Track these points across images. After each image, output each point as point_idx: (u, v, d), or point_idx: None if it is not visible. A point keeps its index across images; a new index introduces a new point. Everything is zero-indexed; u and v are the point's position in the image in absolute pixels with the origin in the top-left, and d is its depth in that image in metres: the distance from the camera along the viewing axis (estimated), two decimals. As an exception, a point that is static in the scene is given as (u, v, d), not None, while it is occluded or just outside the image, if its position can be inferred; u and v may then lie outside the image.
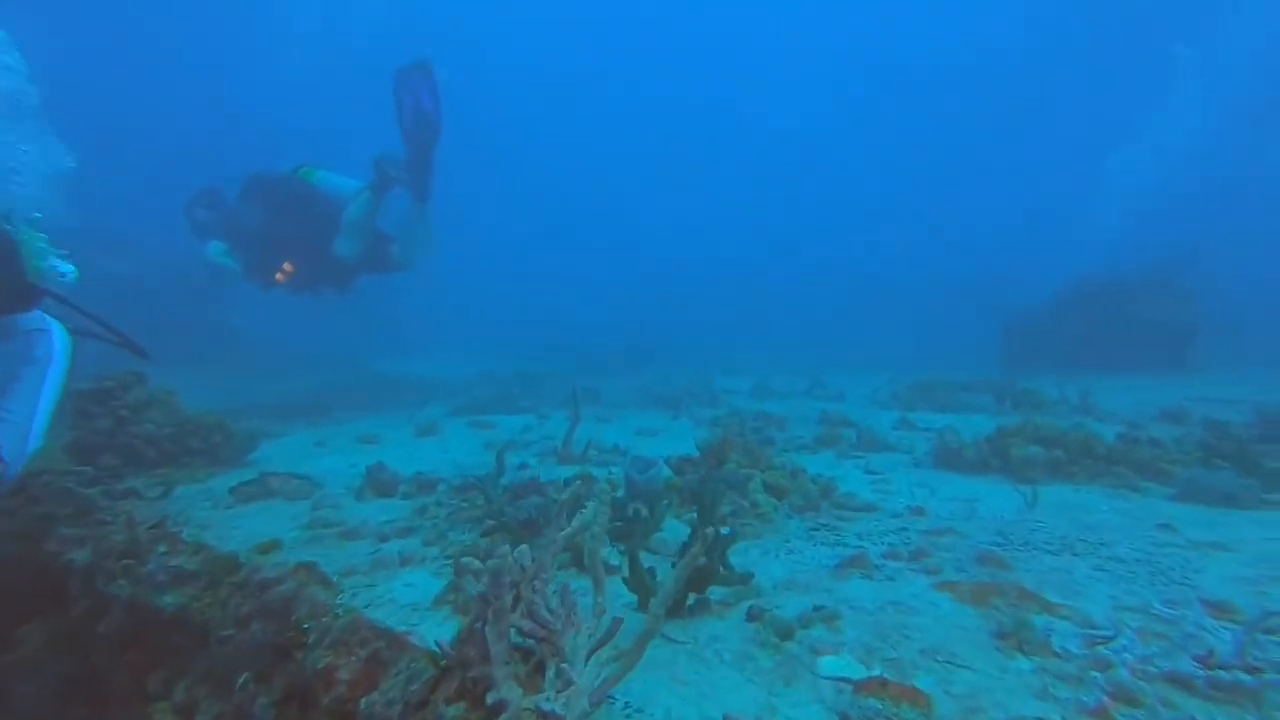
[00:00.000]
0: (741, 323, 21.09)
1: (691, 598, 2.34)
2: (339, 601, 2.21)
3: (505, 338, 23.55)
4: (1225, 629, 2.04)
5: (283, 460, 5.25)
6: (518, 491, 3.50)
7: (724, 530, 3.33)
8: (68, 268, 3.36)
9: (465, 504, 3.82)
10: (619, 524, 3.16)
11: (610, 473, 4.76)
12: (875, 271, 24.17)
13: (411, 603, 2.46)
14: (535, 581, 1.75)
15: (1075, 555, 2.73)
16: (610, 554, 2.87)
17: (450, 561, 2.85)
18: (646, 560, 2.90)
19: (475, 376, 14.77)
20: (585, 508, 1.89)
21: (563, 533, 1.87)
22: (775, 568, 2.75)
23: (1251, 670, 1.70)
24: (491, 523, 3.26)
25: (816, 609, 2.24)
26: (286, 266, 5.95)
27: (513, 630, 1.68)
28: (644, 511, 3.23)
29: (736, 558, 2.73)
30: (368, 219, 5.78)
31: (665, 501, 3.28)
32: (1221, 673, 1.69)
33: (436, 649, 1.85)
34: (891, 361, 17.30)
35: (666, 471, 4.28)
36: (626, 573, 2.29)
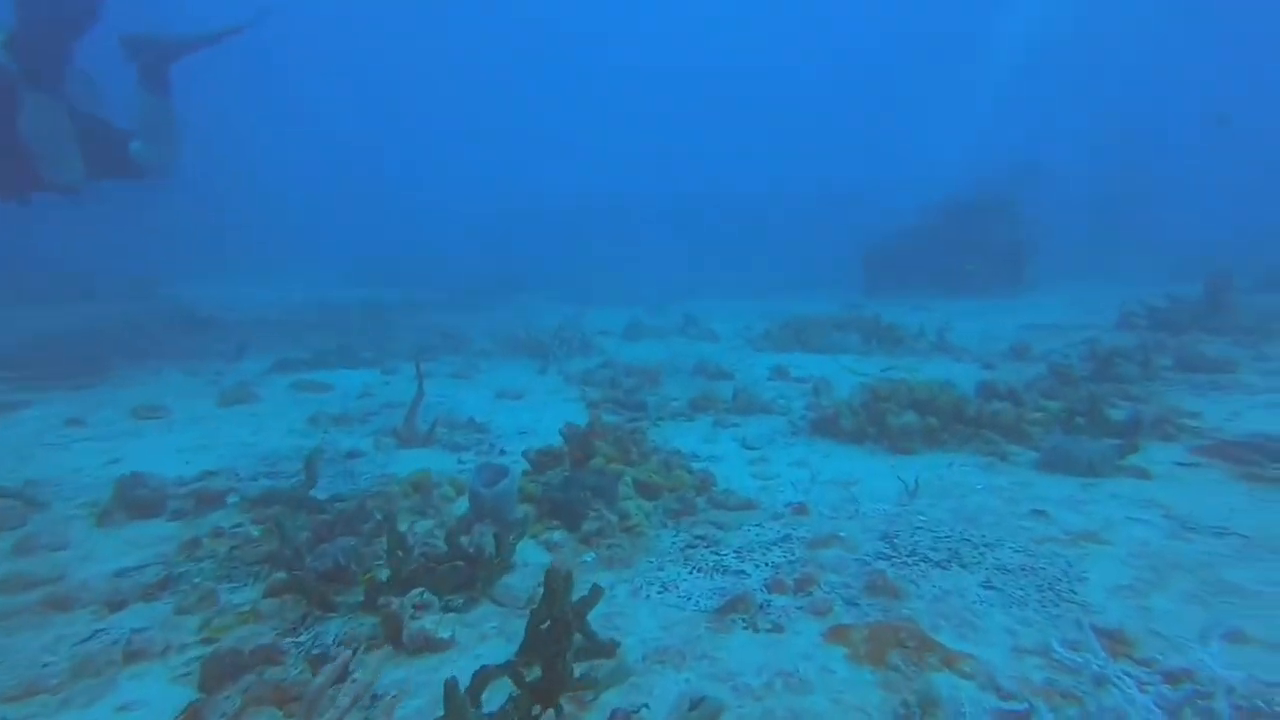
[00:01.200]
0: (616, 248, 20.37)
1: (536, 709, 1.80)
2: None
3: (357, 259, 21.13)
4: (1128, 674, 1.86)
5: (2, 456, 4.00)
6: (321, 529, 2.73)
7: (588, 556, 2.86)
8: None
9: (260, 531, 2.99)
10: (458, 563, 2.54)
11: (460, 463, 4.09)
12: (745, 194, 24.18)
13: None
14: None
15: (964, 567, 2.52)
16: (443, 616, 2.25)
17: (210, 646, 2.10)
18: (489, 619, 2.34)
19: (314, 307, 12.96)
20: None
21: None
22: (646, 617, 2.29)
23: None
24: (283, 575, 2.50)
25: (695, 705, 1.80)
26: None
27: None
28: (489, 544, 2.63)
29: (600, 607, 2.23)
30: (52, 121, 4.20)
31: (516, 533, 2.68)
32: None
33: None
34: (762, 283, 17.58)
35: (522, 468, 3.68)
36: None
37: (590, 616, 2.09)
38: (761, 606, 2.30)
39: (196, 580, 2.52)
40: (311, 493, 3.18)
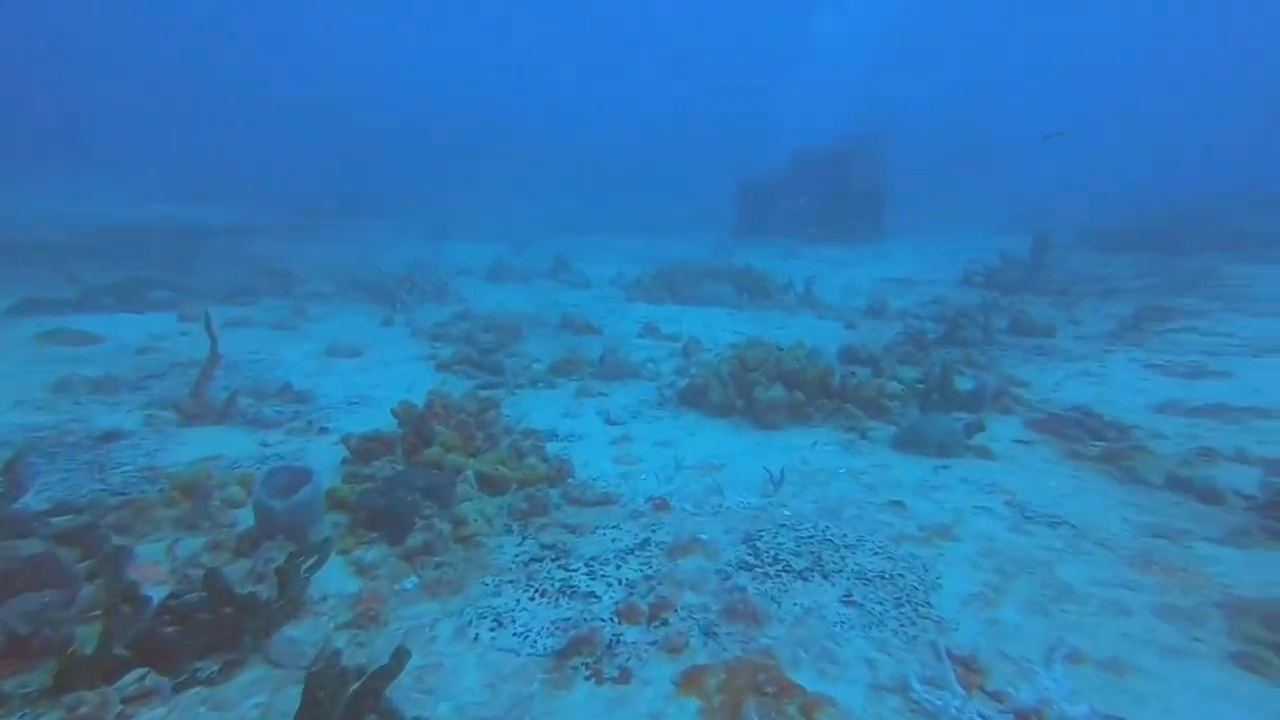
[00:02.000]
0: (485, 169, 18.82)
1: None
2: None
3: (180, 168, 17.81)
4: (982, 715, 1.77)
5: None
6: (6, 572, 1.99)
7: (409, 581, 2.38)
8: None
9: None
10: (228, 611, 1.96)
11: (264, 446, 3.37)
12: (624, 123, 23.19)
13: None
14: None
15: (825, 577, 2.38)
16: (177, 700, 1.71)
17: None
18: (256, 692, 1.81)
19: (104, 228, 10.67)
20: None
21: None
22: (469, 669, 1.90)
23: None
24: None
25: (515, 814, 1.45)
26: None
27: None
28: (271, 589, 2.07)
29: (415, 657, 1.80)
30: None
31: (315, 559, 2.13)
32: None
33: None
34: (640, 217, 17.13)
35: (342, 456, 3.07)
36: None
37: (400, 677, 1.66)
38: (609, 646, 1.99)
39: None
40: (18, 504, 2.38)
